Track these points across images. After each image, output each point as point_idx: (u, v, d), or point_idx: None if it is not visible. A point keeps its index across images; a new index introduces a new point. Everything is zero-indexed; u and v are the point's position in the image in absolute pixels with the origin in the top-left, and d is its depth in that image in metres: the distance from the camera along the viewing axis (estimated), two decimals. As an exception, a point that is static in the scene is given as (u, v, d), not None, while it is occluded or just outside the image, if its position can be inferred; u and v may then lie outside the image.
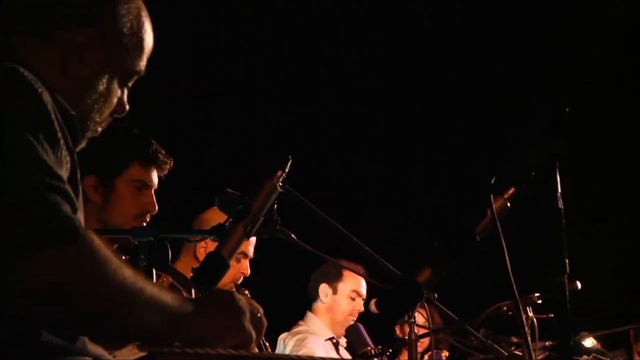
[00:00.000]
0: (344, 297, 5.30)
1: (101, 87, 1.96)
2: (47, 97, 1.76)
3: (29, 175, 1.64)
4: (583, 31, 6.27)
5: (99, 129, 2.01)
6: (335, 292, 5.33)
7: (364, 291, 5.30)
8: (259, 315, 1.86)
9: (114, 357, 1.85)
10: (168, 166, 3.21)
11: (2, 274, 1.59)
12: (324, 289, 5.37)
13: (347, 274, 5.29)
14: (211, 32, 6.52)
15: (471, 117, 6.96)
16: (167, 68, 5.78)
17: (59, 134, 1.75)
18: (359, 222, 4.18)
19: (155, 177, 3.18)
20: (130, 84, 2.04)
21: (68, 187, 1.70)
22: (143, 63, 2.03)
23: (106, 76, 1.96)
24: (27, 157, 1.66)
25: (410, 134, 7.26)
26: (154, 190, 3.19)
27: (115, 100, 2.01)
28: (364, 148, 7.26)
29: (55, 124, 1.75)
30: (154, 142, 3.18)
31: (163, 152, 3.19)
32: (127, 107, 2.05)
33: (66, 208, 1.66)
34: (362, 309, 5.26)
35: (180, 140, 5.73)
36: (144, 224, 3.09)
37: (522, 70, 6.51)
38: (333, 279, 5.35)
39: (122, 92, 2.03)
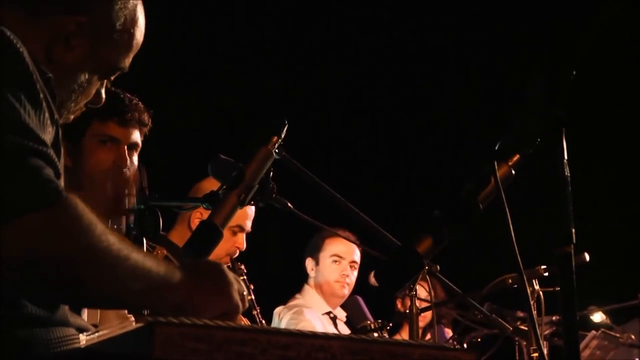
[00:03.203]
0: (326, 265, 5.20)
1: (82, 78, 1.94)
2: (28, 57, 1.72)
3: (10, 138, 1.59)
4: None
5: (71, 117, 1.99)
6: (317, 263, 5.25)
7: (348, 254, 5.19)
8: (244, 292, 1.85)
9: (98, 329, 1.80)
10: (133, 116, 3.05)
11: None
12: (308, 263, 5.30)
13: (327, 241, 5.21)
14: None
15: (474, 84, 6.90)
16: (165, 32, 5.71)
17: (41, 95, 1.70)
18: (359, 191, 4.12)
19: (123, 131, 3.04)
20: (112, 78, 2.02)
21: (51, 151, 1.65)
22: (129, 60, 2.00)
23: (89, 67, 1.93)
24: (8, 119, 1.61)
25: (411, 101, 7.20)
26: (138, 150, 3.09)
27: (93, 91, 1.99)
28: (363, 115, 7.20)
29: (38, 85, 1.70)
30: (115, 92, 3.03)
31: (127, 102, 3.04)
32: (104, 98, 2.03)
33: (48, 172, 1.61)
34: (348, 273, 5.17)
35: (179, 106, 5.67)
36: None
37: (530, 36, 6.42)
38: (315, 251, 5.27)
39: (102, 85, 2.01)
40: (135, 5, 1.99)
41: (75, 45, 1.89)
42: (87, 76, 1.94)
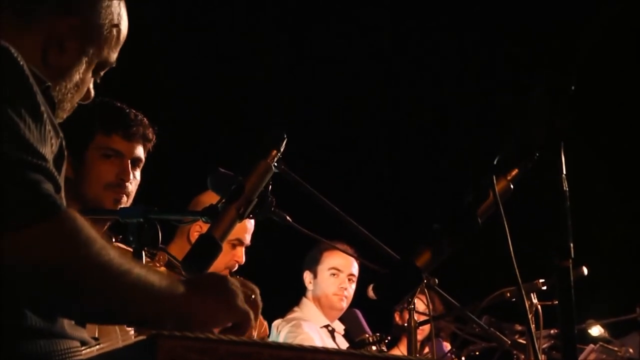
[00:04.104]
0: (324, 278, 5.22)
1: (77, 77, 1.96)
2: (27, 70, 1.73)
3: (9, 152, 1.59)
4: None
5: (64, 116, 2.01)
6: (315, 276, 5.26)
7: (347, 267, 5.20)
8: (253, 297, 1.82)
9: (99, 342, 1.81)
10: (137, 131, 3.09)
11: None
12: (306, 275, 5.32)
13: (325, 254, 5.22)
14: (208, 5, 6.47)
15: (477, 95, 6.88)
16: (164, 40, 5.71)
17: (42, 108, 1.71)
18: (357, 204, 4.11)
19: (127, 145, 3.08)
20: (101, 74, 2.05)
21: (50, 165, 1.66)
22: (116, 55, 2.03)
23: (83, 66, 1.96)
24: (8, 134, 1.61)
25: (413, 111, 7.19)
26: (141, 166, 3.12)
27: (85, 89, 2.01)
28: (363, 128, 7.19)
29: (38, 97, 1.71)
30: (120, 107, 3.09)
31: (132, 117, 3.09)
32: (93, 94, 2.06)
33: (47, 186, 1.62)
34: (346, 286, 5.18)
35: (178, 119, 5.66)
36: (120, 195, 3.02)
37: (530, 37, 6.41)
38: (313, 264, 5.28)
39: (92, 81, 2.04)
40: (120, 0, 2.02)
41: (69, 47, 1.92)
42: (81, 75, 1.96)
